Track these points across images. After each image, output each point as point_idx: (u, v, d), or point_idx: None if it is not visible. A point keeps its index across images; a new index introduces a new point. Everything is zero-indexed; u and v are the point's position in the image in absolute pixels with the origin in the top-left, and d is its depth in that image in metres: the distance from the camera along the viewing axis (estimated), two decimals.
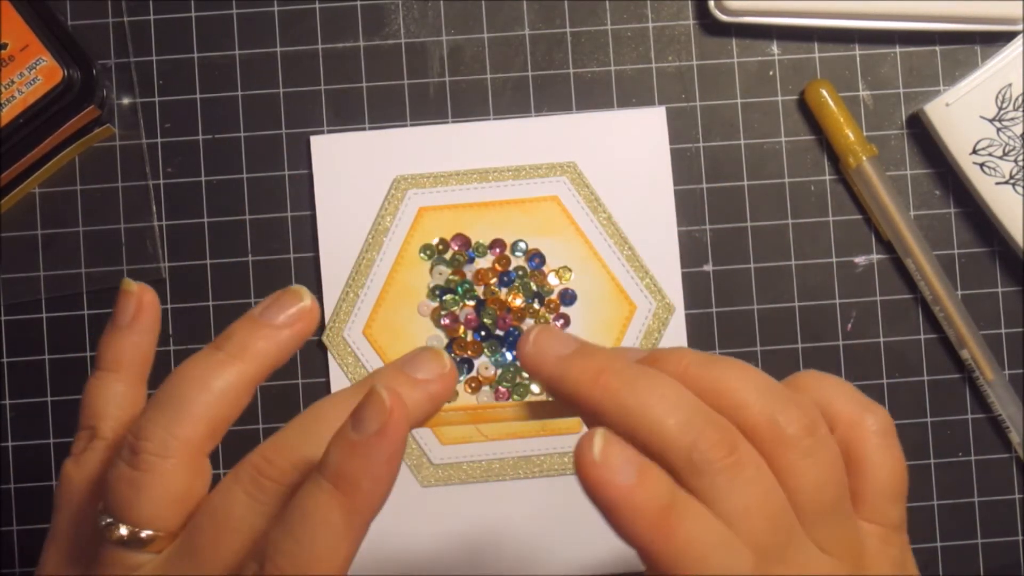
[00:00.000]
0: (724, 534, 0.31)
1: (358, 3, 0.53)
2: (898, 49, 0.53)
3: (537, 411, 0.34)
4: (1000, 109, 0.50)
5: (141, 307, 0.39)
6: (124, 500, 0.34)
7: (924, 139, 0.52)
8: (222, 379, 0.36)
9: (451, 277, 0.52)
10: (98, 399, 0.39)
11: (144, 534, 0.34)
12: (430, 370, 0.34)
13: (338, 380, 0.51)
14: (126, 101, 0.53)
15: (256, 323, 0.37)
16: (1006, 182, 0.50)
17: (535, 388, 0.51)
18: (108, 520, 0.35)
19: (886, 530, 0.37)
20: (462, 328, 0.52)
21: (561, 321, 0.52)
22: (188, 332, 0.52)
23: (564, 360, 0.33)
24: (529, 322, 0.52)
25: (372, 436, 0.31)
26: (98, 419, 0.38)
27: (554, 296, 0.52)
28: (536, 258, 0.52)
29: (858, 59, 0.53)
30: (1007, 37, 0.52)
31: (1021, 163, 0.50)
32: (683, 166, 0.52)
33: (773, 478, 0.32)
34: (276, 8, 0.53)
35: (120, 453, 0.35)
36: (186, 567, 0.34)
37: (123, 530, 0.34)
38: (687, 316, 0.52)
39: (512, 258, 0.52)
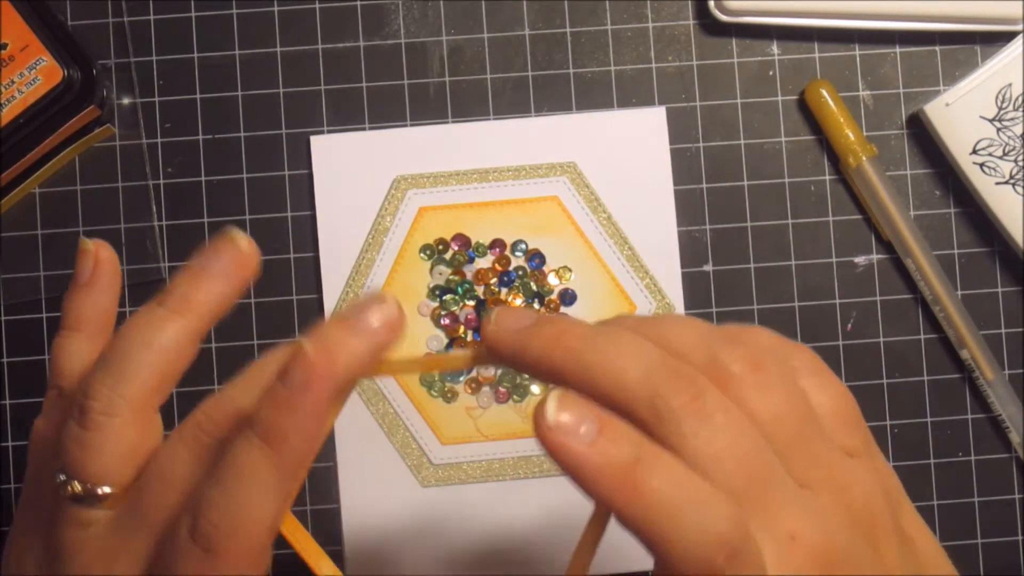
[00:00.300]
0: (697, 486, 0.30)
1: (358, 3, 0.53)
2: (898, 49, 0.53)
3: (487, 357, 0.33)
4: (1000, 109, 0.50)
5: (98, 263, 0.40)
6: (75, 458, 0.35)
7: (924, 139, 0.52)
8: (165, 335, 0.36)
9: (451, 277, 0.52)
10: (63, 357, 0.39)
11: (98, 491, 0.35)
12: (374, 317, 0.34)
13: None
14: (126, 101, 0.53)
15: (195, 275, 0.37)
16: (1006, 182, 0.50)
17: (535, 388, 0.51)
18: (63, 477, 0.35)
19: (862, 456, 0.36)
20: (462, 328, 0.52)
21: None
22: None
23: (525, 331, 0.33)
24: None
25: (298, 391, 0.31)
26: (63, 377, 0.39)
27: (554, 296, 0.52)
28: (536, 258, 0.52)
29: (858, 59, 0.53)
30: (1007, 37, 0.52)
31: (1021, 163, 0.50)
32: (683, 166, 0.52)
33: (747, 422, 0.31)
34: (276, 8, 0.53)
35: (71, 412, 0.36)
36: (134, 524, 0.35)
37: (77, 487, 0.35)
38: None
39: (512, 258, 0.52)
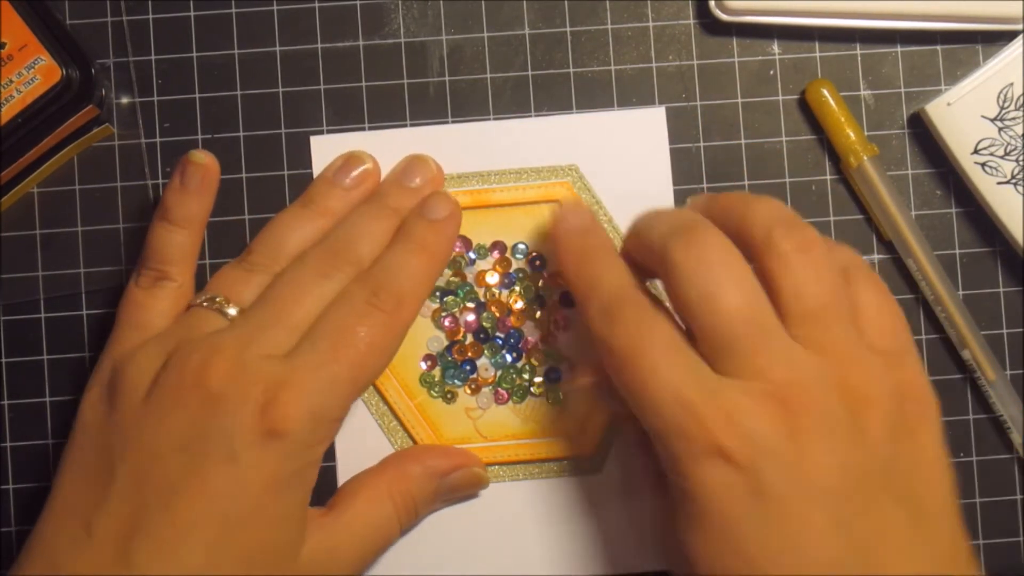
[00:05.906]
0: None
1: (358, 3, 0.53)
2: (899, 48, 0.53)
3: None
4: (1001, 109, 0.50)
5: (207, 173, 0.49)
6: (238, 291, 0.47)
7: (925, 139, 0.52)
8: (308, 228, 0.48)
9: (452, 279, 0.52)
10: (169, 247, 0.48)
11: (233, 309, 0.46)
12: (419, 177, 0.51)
13: None
14: (125, 101, 0.52)
15: (330, 184, 0.50)
16: (1007, 182, 0.50)
17: (534, 391, 0.51)
18: (217, 299, 0.46)
19: (889, 357, 0.40)
20: (462, 330, 0.52)
21: (560, 324, 0.52)
22: None
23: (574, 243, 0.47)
24: (529, 324, 0.52)
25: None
26: (168, 264, 0.48)
27: (555, 298, 0.52)
28: (537, 260, 0.52)
29: (859, 58, 0.53)
30: (1008, 36, 0.52)
31: (1022, 163, 0.50)
32: (683, 166, 0.52)
33: (751, 282, 0.40)
34: (276, 8, 0.53)
35: (241, 264, 0.48)
36: (272, 314, 0.45)
37: (230, 306, 0.46)
38: None
39: (513, 260, 0.52)
